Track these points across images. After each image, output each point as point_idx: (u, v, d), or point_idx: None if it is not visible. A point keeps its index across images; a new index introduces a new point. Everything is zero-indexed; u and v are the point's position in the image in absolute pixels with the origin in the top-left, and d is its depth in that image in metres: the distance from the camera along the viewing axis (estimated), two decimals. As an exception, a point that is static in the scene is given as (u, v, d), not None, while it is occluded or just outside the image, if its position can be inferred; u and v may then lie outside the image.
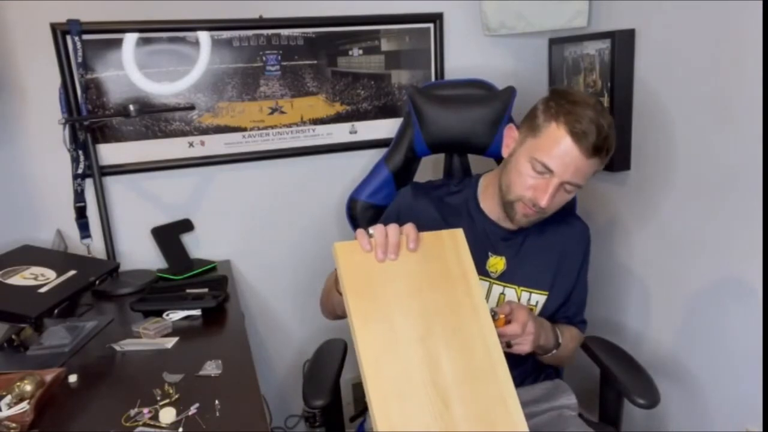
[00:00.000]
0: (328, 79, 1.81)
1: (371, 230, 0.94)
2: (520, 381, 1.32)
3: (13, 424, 0.95)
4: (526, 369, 1.35)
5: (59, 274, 1.40)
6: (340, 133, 1.86)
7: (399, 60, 1.86)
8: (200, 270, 1.71)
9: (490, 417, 0.85)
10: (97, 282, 1.47)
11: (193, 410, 1.01)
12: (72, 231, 1.66)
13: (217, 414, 1.00)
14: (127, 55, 1.62)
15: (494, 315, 1.07)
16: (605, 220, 1.84)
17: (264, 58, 1.74)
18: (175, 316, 1.40)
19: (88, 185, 1.65)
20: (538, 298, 1.30)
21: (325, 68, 1.80)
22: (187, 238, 1.79)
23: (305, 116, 1.82)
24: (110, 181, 1.68)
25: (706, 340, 1.54)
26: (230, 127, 1.75)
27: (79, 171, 1.60)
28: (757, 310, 1.37)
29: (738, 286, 1.43)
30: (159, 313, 1.40)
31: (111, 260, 1.68)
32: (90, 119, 1.59)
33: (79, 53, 1.54)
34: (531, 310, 1.26)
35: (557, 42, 1.85)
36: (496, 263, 1.29)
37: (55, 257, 1.53)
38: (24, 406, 0.99)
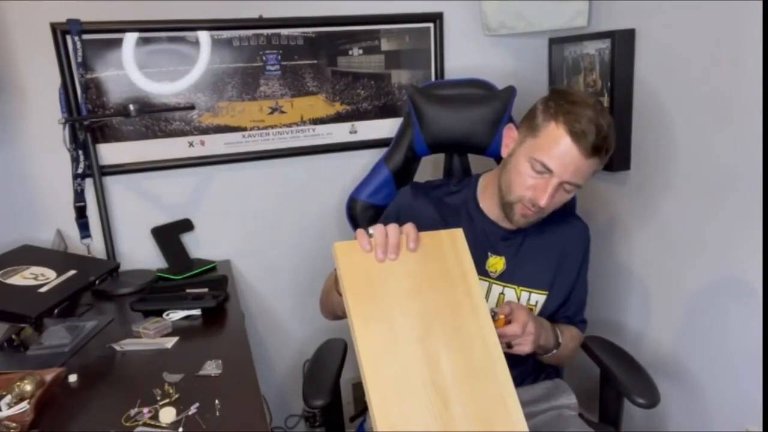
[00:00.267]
0: (328, 79, 1.81)
1: (371, 230, 0.94)
2: (520, 381, 1.32)
3: (13, 424, 0.95)
4: (526, 369, 1.35)
5: (59, 274, 1.40)
6: (340, 132, 1.86)
7: (399, 60, 1.86)
8: (200, 270, 1.71)
9: (490, 417, 0.85)
10: (97, 282, 1.47)
11: (193, 410, 1.01)
12: (72, 231, 1.66)
13: (217, 414, 1.00)
14: (127, 54, 1.62)
15: (494, 315, 1.07)
16: (605, 220, 1.84)
17: (264, 58, 1.74)
18: (175, 316, 1.40)
19: (88, 185, 1.65)
20: (538, 298, 1.30)
21: (325, 68, 1.80)
22: (187, 238, 1.79)
23: (305, 116, 1.82)
24: (110, 181, 1.68)
25: (706, 340, 1.54)
26: (230, 127, 1.75)
27: (79, 171, 1.60)
28: (757, 310, 1.37)
29: (738, 286, 1.43)
30: (159, 313, 1.40)
31: (111, 260, 1.68)
32: (90, 119, 1.59)
33: (79, 53, 1.54)
34: (531, 310, 1.26)
35: (557, 42, 1.85)
36: (496, 263, 1.29)
37: (55, 257, 1.53)
38: (24, 405, 0.99)
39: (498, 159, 1.55)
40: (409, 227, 0.96)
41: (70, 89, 1.57)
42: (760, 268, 1.34)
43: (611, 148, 1.15)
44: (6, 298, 1.27)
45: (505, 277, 1.29)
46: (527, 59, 1.97)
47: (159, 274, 1.68)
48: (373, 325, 0.88)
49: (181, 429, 0.96)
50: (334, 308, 1.21)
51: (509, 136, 1.23)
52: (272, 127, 1.79)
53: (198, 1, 1.64)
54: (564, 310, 1.34)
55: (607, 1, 1.73)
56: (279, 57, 1.75)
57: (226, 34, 1.69)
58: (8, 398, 1.01)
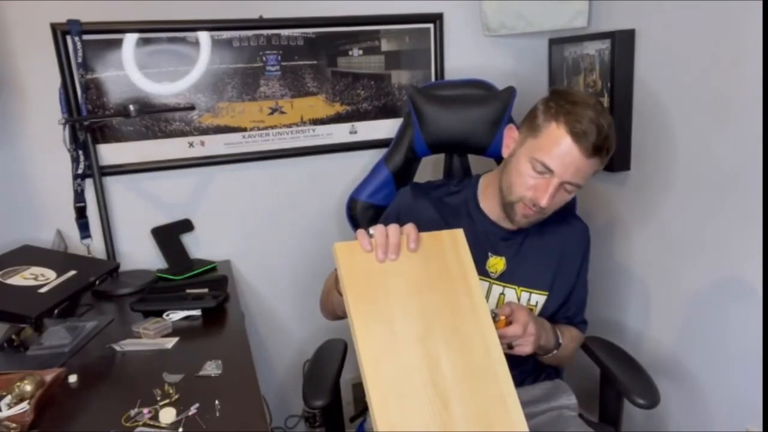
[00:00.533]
0: (328, 80, 1.81)
1: (371, 230, 0.94)
2: (520, 381, 1.32)
3: (13, 424, 0.95)
4: (526, 369, 1.35)
5: (59, 274, 1.40)
6: (340, 133, 1.86)
7: (399, 60, 1.86)
8: (200, 270, 1.71)
9: (490, 417, 0.85)
10: (97, 282, 1.47)
11: (193, 410, 1.01)
12: (72, 231, 1.66)
13: (217, 414, 1.00)
14: (127, 55, 1.62)
15: (495, 317, 1.07)
16: (605, 220, 1.84)
17: (264, 58, 1.74)
18: (175, 316, 1.40)
19: (88, 185, 1.65)
20: (538, 299, 1.30)
21: (325, 68, 1.80)
22: (187, 238, 1.79)
23: (305, 116, 1.82)
24: (110, 181, 1.68)
25: (706, 340, 1.54)
26: (230, 127, 1.75)
27: (79, 171, 1.60)
28: (757, 310, 1.37)
29: (738, 286, 1.43)
30: (159, 313, 1.40)
31: (111, 260, 1.68)
32: (90, 119, 1.59)
33: (79, 53, 1.54)
34: (531, 310, 1.26)
35: (557, 42, 1.85)
36: (496, 263, 1.29)
37: (55, 257, 1.53)
38: (24, 406, 0.99)
39: (498, 159, 1.55)
40: (410, 227, 0.96)
41: (70, 89, 1.57)
42: (760, 268, 1.34)
43: (612, 148, 1.15)
44: (6, 298, 1.27)
45: (505, 278, 1.29)
46: (527, 59, 1.97)
47: (159, 274, 1.68)
48: (373, 325, 0.88)
49: (181, 429, 0.96)
50: (334, 308, 1.21)
51: (510, 136, 1.23)
52: (272, 127, 1.79)
53: (198, 1, 1.64)
54: (564, 310, 1.34)
55: (607, 1, 1.73)
56: (279, 57, 1.75)
57: (226, 34, 1.69)
58: (8, 398, 1.01)
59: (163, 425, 0.97)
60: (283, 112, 1.79)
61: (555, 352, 1.25)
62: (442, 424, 0.82)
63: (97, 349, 1.27)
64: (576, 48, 1.77)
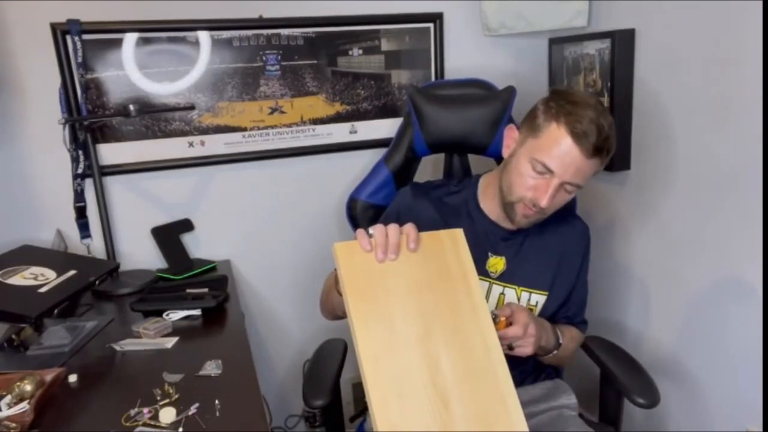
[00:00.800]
0: (328, 79, 1.81)
1: (371, 230, 0.94)
2: (520, 381, 1.32)
3: (13, 424, 0.95)
4: (526, 369, 1.35)
5: (59, 274, 1.40)
6: (340, 132, 1.86)
7: (399, 60, 1.86)
8: (200, 270, 1.71)
9: (490, 417, 0.85)
10: (97, 282, 1.47)
11: (193, 410, 1.01)
12: (72, 231, 1.66)
13: (217, 414, 1.00)
14: (127, 55, 1.62)
15: (495, 318, 1.07)
16: (605, 220, 1.84)
17: (264, 58, 1.74)
18: (175, 316, 1.40)
19: (88, 185, 1.65)
20: (538, 299, 1.30)
21: (325, 68, 1.80)
22: (187, 238, 1.79)
23: (305, 116, 1.82)
24: (110, 181, 1.68)
25: (706, 340, 1.54)
26: (230, 127, 1.75)
27: (79, 171, 1.60)
28: (757, 310, 1.37)
29: (738, 286, 1.43)
30: (159, 313, 1.40)
31: (111, 260, 1.68)
32: (90, 119, 1.59)
33: (79, 53, 1.54)
34: (531, 310, 1.26)
35: (557, 42, 1.85)
36: (496, 263, 1.29)
37: (55, 257, 1.53)
38: (24, 406, 0.99)
39: (498, 159, 1.55)
40: (409, 227, 0.96)
41: (70, 89, 1.57)
42: (760, 268, 1.34)
43: (612, 148, 1.15)
44: (6, 298, 1.27)
45: (505, 278, 1.29)
46: (527, 59, 1.97)
47: (159, 274, 1.68)
48: (373, 325, 0.88)
49: (181, 429, 0.96)
50: (334, 308, 1.21)
51: (510, 136, 1.23)
52: (272, 127, 1.79)
53: (198, 1, 1.64)
54: (564, 310, 1.34)
55: (607, 1, 1.73)
56: (279, 57, 1.75)
57: (226, 34, 1.69)
58: (8, 398, 1.01)
59: (163, 425, 0.97)
60: (283, 112, 1.79)
61: (555, 352, 1.25)
62: (442, 424, 0.82)
63: (97, 349, 1.27)
64: (576, 48, 1.77)
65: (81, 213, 1.64)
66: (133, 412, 1.01)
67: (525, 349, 1.12)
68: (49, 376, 1.07)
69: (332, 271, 1.19)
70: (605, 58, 1.64)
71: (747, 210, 1.36)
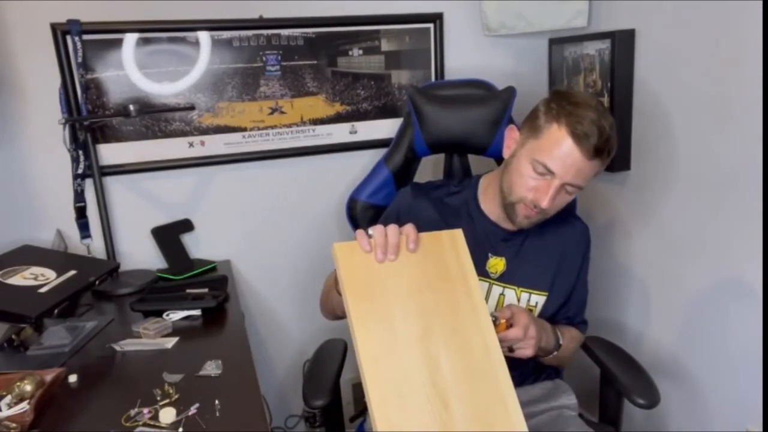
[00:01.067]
0: (328, 79, 1.81)
1: (371, 231, 0.94)
2: (520, 381, 1.32)
3: (13, 424, 0.95)
4: (526, 369, 1.35)
5: (59, 274, 1.40)
6: (340, 133, 1.86)
7: (399, 60, 1.86)
8: (200, 270, 1.71)
9: (490, 417, 0.85)
10: (97, 282, 1.47)
11: (193, 410, 1.01)
12: (72, 231, 1.66)
13: (217, 414, 1.00)
14: (127, 55, 1.62)
15: (495, 320, 1.07)
16: (605, 220, 1.84)
17: (264, 58, 1.74)
18: (175, 316, 1.40)
19: (88, 185, 1.65)
20: (538, 299, 1.30)
21: (325, 68, 1.80)
22: (187, 238, 1.79)
23: (305, 116, 1.82)
24: (110, 181, 1.68)
25: (706, 340, 1.54)
26: (230, 127, 1.75)
27: (79, 171, 1.61)
28: (757, 310, 1.37)
29: (738, 286, 1.43)
30: (159, 313, 1.40)
31: (111, 260, 1.68)
32: (90, 119, 1.59)
33: (79, 53, 1.54)
34: (531, 311, 1.26)
35: (557, 42, 1.85)
36: (496, 264, 1.29)
37: (55, 257, 1.53)
38: (24, 406, 0.99)
39: (498, 159, 1.55)
40: (409, 228, 0.96)
41: (70, 89, 1.57)
42: (760, 268, 1.34)
43: (613, 149, 1.15)
44: (6, 298, 1.27)
45: (505, 278, 1.29)
46: (527, 59, 1.97)
47: (159, 274, 1.68)
48: (372, 326, 0.88)
49: (181, 429, 0.96)
50: (334, 308, 1.21)
51: (511, 137, 1.23)
52: (272, 127, 1.79)
53: (198, 1, 1.64)
54: (564, 311, 1.34)
55: (607, 1, 1.72)
56: (279, 57, 1.75)
57: (226, 34, 1.69)
58: (8, 398, 1.01)
59: (163, 425, 0.97)
60: (283, 112, 1.79)
61: (555, 353, 1.25)
62: (441, 424, 0.82)
63: (97, 349, 1.27)
64: (576, 48, 1.76)
65: (81, 213, 1.64)
66: (133, 412, 1.01)
67: (525, 350, 1.12)
68: (49, 376, 1.07)
69: (332, 271, 1.19)
70: (605, 58, 1.64)
71: (747, 210, 1.36)
